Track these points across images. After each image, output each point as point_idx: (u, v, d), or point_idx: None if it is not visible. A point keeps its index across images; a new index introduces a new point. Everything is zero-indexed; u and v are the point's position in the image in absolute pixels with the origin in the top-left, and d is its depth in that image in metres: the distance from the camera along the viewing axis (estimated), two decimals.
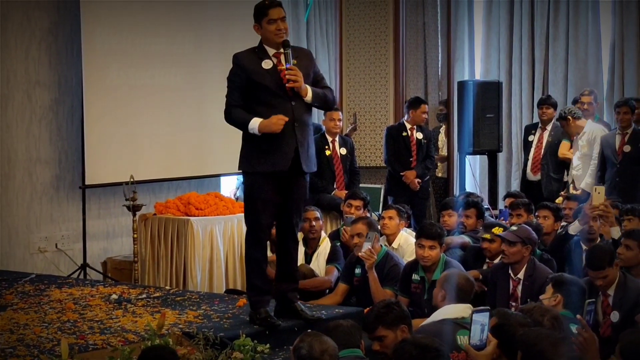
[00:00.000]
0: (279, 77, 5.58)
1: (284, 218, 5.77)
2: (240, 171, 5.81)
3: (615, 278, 5.72)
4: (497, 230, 6.86)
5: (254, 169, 5.63)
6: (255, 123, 5.51)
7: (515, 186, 11.41)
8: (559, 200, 8.61)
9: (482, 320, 4.14)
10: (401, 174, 9.63)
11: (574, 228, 6.94)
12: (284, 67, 5.56)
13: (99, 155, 8.54)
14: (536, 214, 7.64)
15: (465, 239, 7.63)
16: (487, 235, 6.95)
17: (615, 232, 6.52)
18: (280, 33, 5.58)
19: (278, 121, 5.48)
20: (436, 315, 5.00)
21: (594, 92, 9.98)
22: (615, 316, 5.61)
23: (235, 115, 5.62)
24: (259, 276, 5.72)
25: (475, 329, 4.14)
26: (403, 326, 4.63)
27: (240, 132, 5.71)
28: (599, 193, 6.79)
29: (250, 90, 5.60)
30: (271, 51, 5.65)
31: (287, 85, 5.54)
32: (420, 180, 9.61)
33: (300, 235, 7.16)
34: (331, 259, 7.43)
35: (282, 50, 5.61)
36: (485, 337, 4.14)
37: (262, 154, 5.59)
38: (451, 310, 5.01)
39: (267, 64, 5.60)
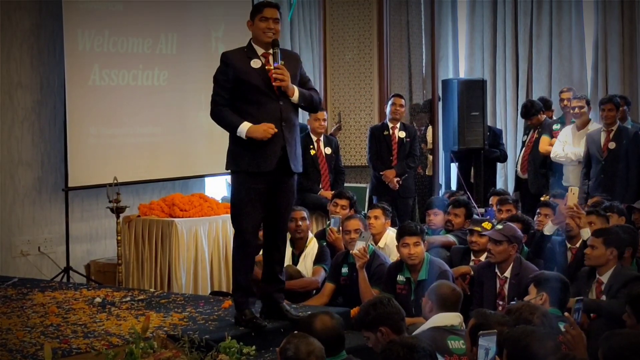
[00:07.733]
0: (267, 76, 5.61)
1: (273, 219, 5.78)
2: (228, 171, 5.81)
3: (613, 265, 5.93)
4: (487, 225, 6.83)
5: (241, 168, 5.64)
6: (244, 128, 5.52)
7: (500, 184, 11.42)
8: (545, 198, 8.58)
9: (487, 344, 4.06)
10: (381, 173, 9.60)
11: (548, 229, 6.93)
12: (272, 66, 5.59)
13: (81, 157, 8.48)
14: (538, 211, 7.59)
15: (450, 238, 7.58)
16: (478, 228, 6.90)
17: (585, 234, 6.53)
18: (269, 32, 5.65)
19: (267, 129, 5.51)
20: (425, 326, 4.97)
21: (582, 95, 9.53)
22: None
23: (224, 116, 5.63)
24: (244, 277, 5.71)
25: (481, 353, 4.07)
26: (382, 327, 4.58)
27: (226, 132, 5.71)
28: (573, 194, 6.82)
29: (238, 89, 5.62)
30: (260, 50, 5.70)
31: (274, 84, 5.59)
32: (399, 179, 9.57)
33: (287, 236, 7.13)
34: (318, 259, 7.39)
35: (270, 50, 5.65)
36: None
37: (249, 153, 5.59)
38: (439, 319, 4.98)
39: (255, 63, 5.65)
